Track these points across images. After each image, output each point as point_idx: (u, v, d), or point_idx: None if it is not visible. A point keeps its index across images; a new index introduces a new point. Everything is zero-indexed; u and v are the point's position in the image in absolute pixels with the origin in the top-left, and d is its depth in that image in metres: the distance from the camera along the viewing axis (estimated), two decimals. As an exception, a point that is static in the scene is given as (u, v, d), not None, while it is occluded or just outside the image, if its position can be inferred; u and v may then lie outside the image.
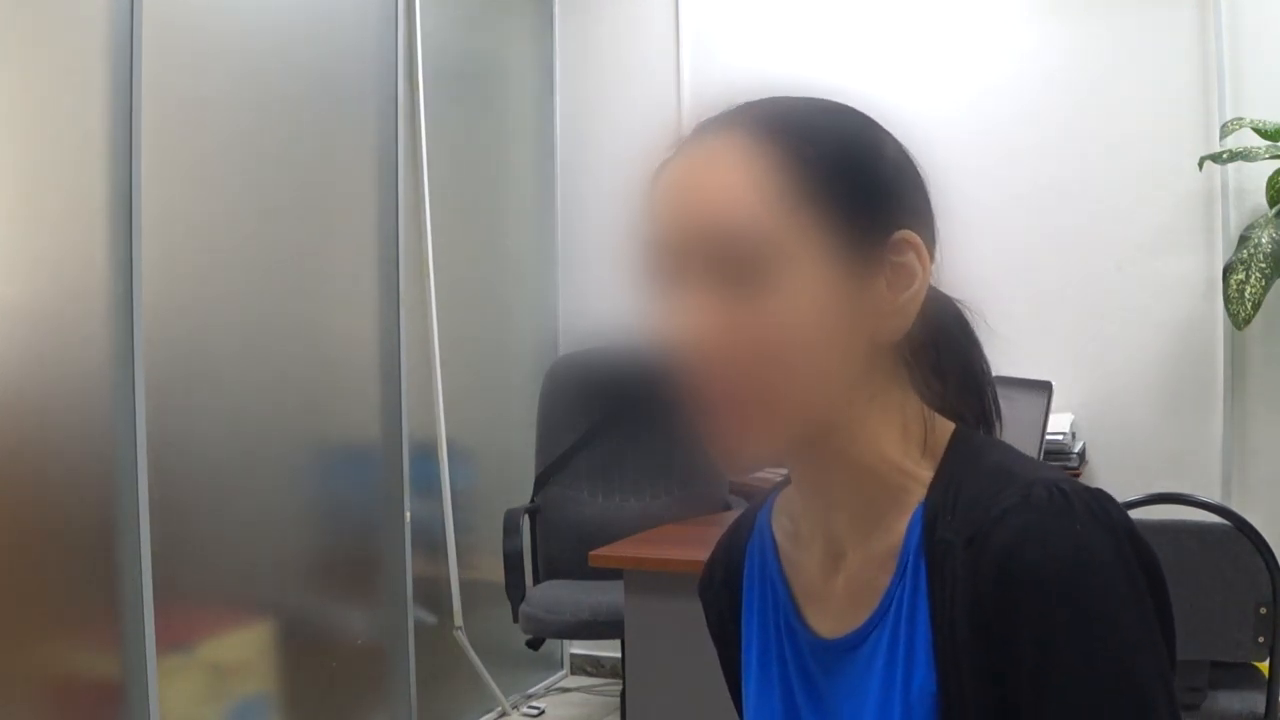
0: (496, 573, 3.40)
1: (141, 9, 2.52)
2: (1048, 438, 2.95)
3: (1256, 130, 3.21)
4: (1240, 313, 3.09)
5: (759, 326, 0.78)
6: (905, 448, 0.84)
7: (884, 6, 3.85)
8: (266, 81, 2.98)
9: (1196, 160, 3.29)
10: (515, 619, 3.25)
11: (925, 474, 0.84)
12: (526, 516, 3.53)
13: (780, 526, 0.95)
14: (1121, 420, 3.59)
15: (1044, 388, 2.80)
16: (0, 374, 2.28)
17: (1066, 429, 3.35)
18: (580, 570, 3.07)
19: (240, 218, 2.87)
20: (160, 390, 2.58)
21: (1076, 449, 3.39)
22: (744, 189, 0.79)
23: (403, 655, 3.43)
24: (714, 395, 0.79)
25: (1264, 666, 2.19)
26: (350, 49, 3.31)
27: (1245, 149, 3.19)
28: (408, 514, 3.44)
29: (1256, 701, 2.21)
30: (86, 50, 2.45)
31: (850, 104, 0.86)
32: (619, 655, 3.26)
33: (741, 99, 0.85)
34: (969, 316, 0.91)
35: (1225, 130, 3.34)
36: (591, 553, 2.56)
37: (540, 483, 3.58)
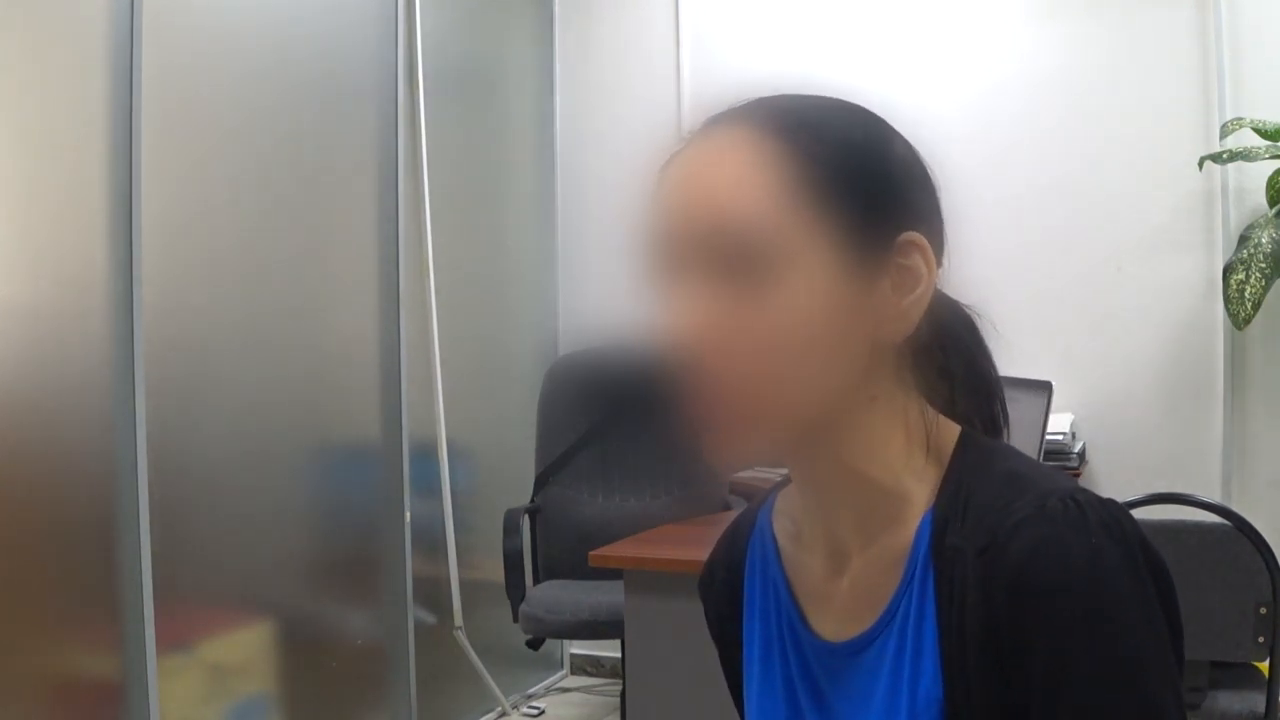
0: (496, 573, 3.40)
1: (141, 9, 2.52)
2: (1048, 438, 2.95)
3: (1256, 130, 3.21)
4: (1240, 313, 3.09)
5: (759, 324, 0.77)
6: (908, 451, 0.83)
7: (884, 7, 3.85)
8: (266, 81, 2.98)
9: (1196, 160, 3.29)
10: (515, 619, 3.25)
11: (931, 478, 0.83)
12: (526, 516, 3.53)
13: (781, 526, 0.95)
14: (1121, 420, 3.59)
15: (1044, 388, 2.80)
16: (0, 374, 2.28)
17: (1066, 429, 3.35)
18: (580, 570, 3.07)
19: (240, 218, 2.87)
20: (160, 390, 2.58)
21: (1076, 449, 3.39)
22: (751, 185, 0.78)
23: (403, 655, 3.43)
24: (708, 391, 0.78)
25: (1264, 666, 2.19)
26: (350, 49, 3.31)
27: (1245, 149, 3.19)
28: (408, 514, 3.44)
29: (1256, 701, 2.21)
30: (86, 50, 2.45)
31: (861, 103, 0.85)
32: (619, 655, 3.26)
33: (748, 96, 0.84)
34: (977, 320, 0.91)
35: (1225, 130, 3.34)
36: (591, 553, 2.56)
37: (540, 483, 3.58)
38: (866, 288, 0.79)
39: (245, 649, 2.90)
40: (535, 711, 3.87)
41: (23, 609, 2.31)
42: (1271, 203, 3.24)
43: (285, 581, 3.04)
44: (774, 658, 0.92)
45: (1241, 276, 3.10)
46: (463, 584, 3.66)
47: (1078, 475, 3.27)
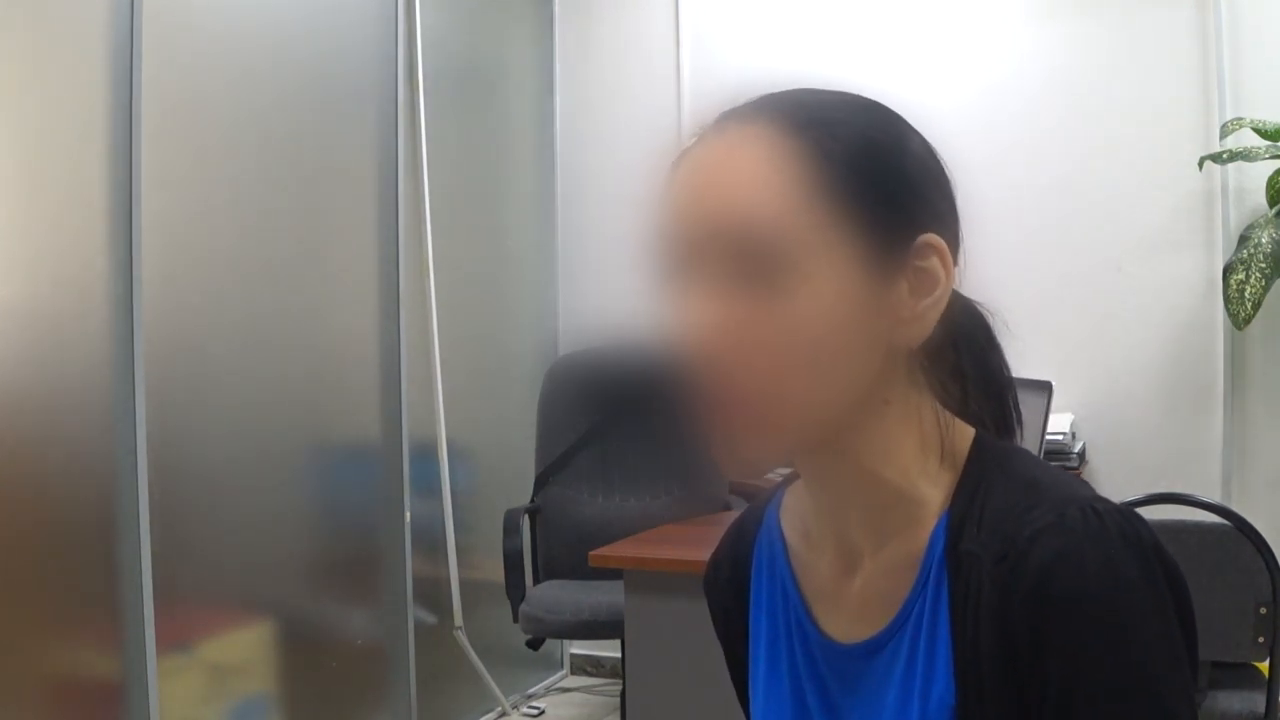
0: (496, 573, 3.40)
1: (141, 9, 2.52)
2: (1048, 438, 2.95)
3: (1256, 130, 3.21)
4: (1240, 313, 3.09)
5: (773, 328, 0.75)
6: (923, 454, 0.82)
7: (883, 7, 3.85)
8: (266, 81, 2.98)
9: (1196, 160, 3.29)
10: (515, 619, 3.25)
11: (945, 482, 0.82)
12: (526, 516, 3.53)
13: (790, 524, 0.94)
14: (1121, 420, 3.59)
15: (1044, 388, 2.80)
16: (0, 374, 2.28)
17: (1066, 429, 3.35)
18: (580, 570, 3.07)
19: (240, 217, 2.87)
20: (160, 390, 2.58)
21: (1076, 449, 3.39)
22: (768, 185, 0.76)
23: (403, 655, 3.43)
24: (721, 395, 0.77)
25: (1264, 666, 2.20)
26: (350, 49, 3.31)
27: (1245, 149, 3.19)
28: (408, 514, 3.44)
29: (1256, 701, 2.21)
30: (86, 50, 2.45)
31: (877, 99, 0.83)
32: (619, 655, 3.26)
33: (755, 92, 0.83)
34: (989, 319, 0.89)
35: (1225, 130, 3.34)
36: (591, 553, 2.56)
37: (540, 483, 3.58)
38: (883, 290, 0.78)
39: (245, 649, 2.90)
40: (535, 711, 3.87)
41: (23, 609, 2.31)
42: (1271, 203, 3.24)
43: (285, 581, 3.04)
44: (781, 657, 0.91)
45: (1241, 276, 3.10)
46: (463, 584, 3.66)
47: (1077, 475, 3.27)
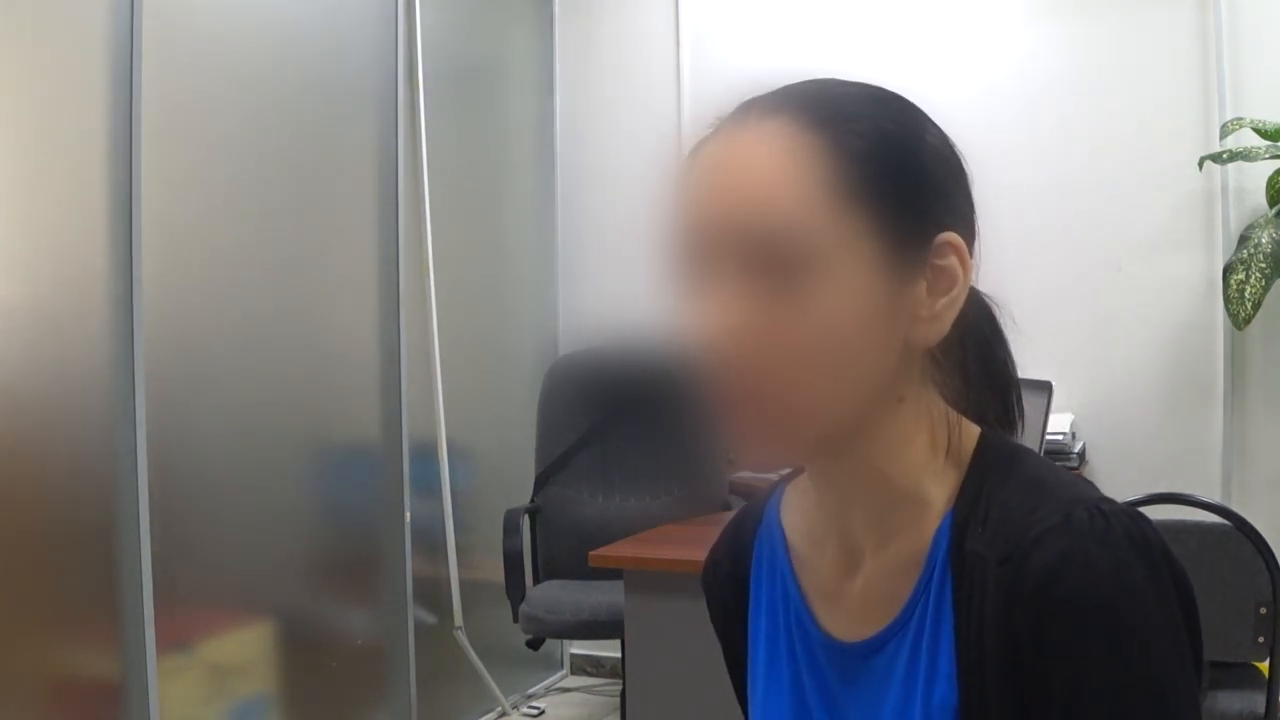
0: (496, 573, 3.40)
1: (141, 9, 2.52)
2: (1048, 438, 2.95)
3: (1256, 130, 3.21)
4: (1240, 313, 3.09)
5: (793, 328, 0.75)
6: (931, 453, 0.82)
7: (883, 7, 3.85)
8: (266, 81, 2.98)
9: (1196, 160, 3.29)
10: (515, 619, 3.25)
11: (950, 480, 0.82)
12: (526, 516, 3.53)
13: (791, 522, 0.93)
14: (1121, 420, 3.59)
15: (1044, 388, 2.80)
16: (0, 374, 2.28)
17: (1066, 429, 3.35)
18: (580, 570, 3.07)
19: (240, 218, 2.87)
20: (160, 390, 2.58)
21: (1076, 449, 3.39)
22: (788, 183, 0.75)
23: (403, 655, 3.43)
24: (739, 393, 0.76)
25: (1264, 666, 2.19)
26: (350, 49, 3.31)
27: (1245, 149, 3.19)
28: (408, 514, 3.44)
29: (1256, 701, 2.21)
30: (86, 50, 2.45)
31: (897, 91, 0.82)
32: (619, 655, 3.26)
33: (759, 89, 0.82)
34: (995, 310, 0.89)
35: (1225, 130, 3.34)
36: (591, 553, 2.56)
37: (540, 483, 3.58)
38: (902, 289, 0.78)
39: (245, 649, 2.90)
40: (535, 711, 3.87)
41: (23, 609, 2.31)
42: (1271, 203, 3.24)
43: (285, 581, 3.04)
44: (781, 655, 0.91)
45: (1241, 276, 3.10)
46: (463, 584, 3.66)
47: (1077, 475, 3.27)
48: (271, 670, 2.97)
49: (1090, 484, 0.81)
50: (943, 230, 0.79)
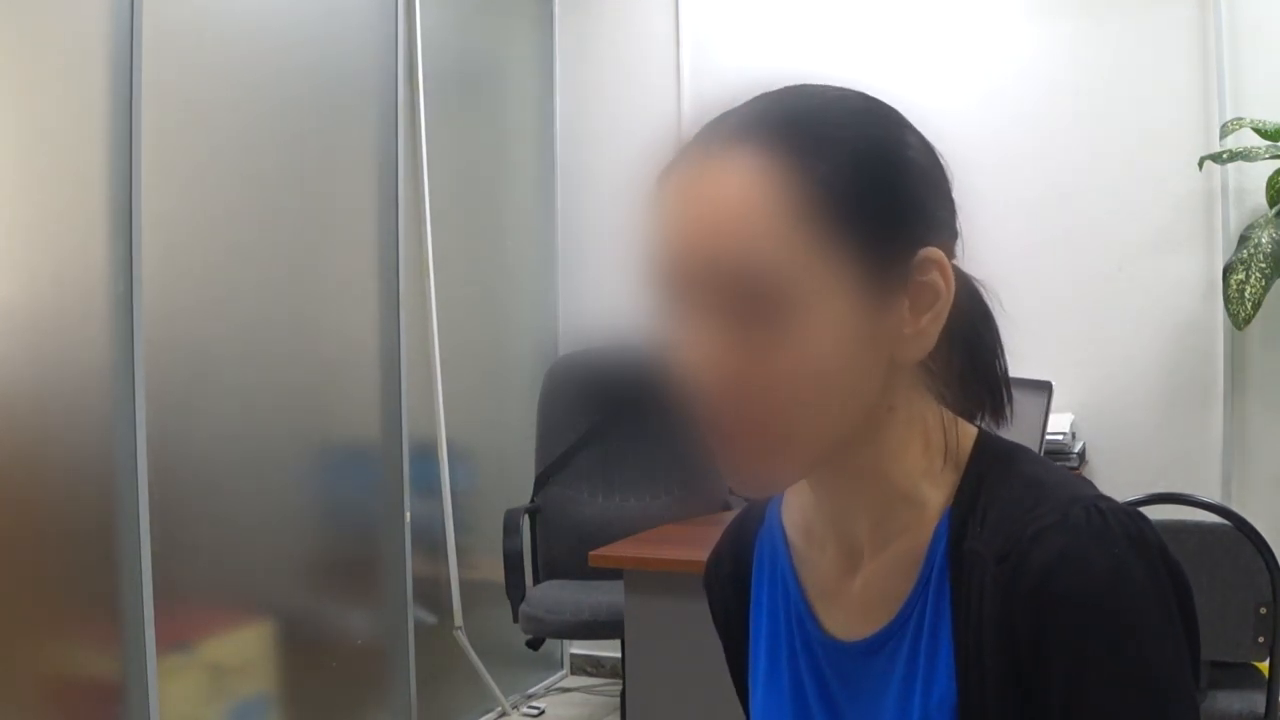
0: (496, 573, 3.40)
1: (141, 9, 2.52)
2: (1048, 438, 2.95)
3: (1256, 130, 3.21)
4: (1240, 313, 3.09)
5: (774, 361, 0.74)
6: (926, 455, 0.82)
7: (884, 8, 3.85)
8: (266, 81, 2.98)
9: (1196, 160, 3.29)
10: (515, 619, 3.25)
11: (947, 481, 0.82)
12: (526, 516, 3.53)
13: (791, 521, 0.94)
14: (1121, 420, 3.59)
15: (1044, 388, 2.80)
16: (0, 374, 2.28)
17: (1066, 429, 3.35)
18: (580, 570, 3.07)
19: (240, 218, 2.87)
20: (160, 390, 2.58)
21: (1076, 449, 3.39)
22: (759, 219, 0.73)
23: (403, 655, 3.43)
24: (727, 424, 0.76)
25: (1264, 666, 2.20)
26: (350, 50, 3.31)
27: (1245, 149, 3.19)
28: (408, 514, 3.44)
29: (1256, 701, 2.21)
30: (86, 51, 2.45)
31: (872, 95, 0.80)
32: (619, 655, 3.26)
33: (744, 94, 0.80)
34: (986, 295, 0.87)
35: (1225, 130, 3.34)
36: (591, 553, 2.56)
37: (540, 483, 3.58)
38: (884, 310, 0.77)
39: (245, 649, 2.90)
40: (535, 711, 3.87)
41: (23, 609, 2.31)
42: (1271, 203, 3.24)
43: (285, 581, 3.04)
44: (781, 654, 0.91)
45: (1241, 276, 3.10)
46: (463, 584, 3.66)
47: (1078, 474, 3.27)
48: (271, 670, 2.97)
49: (1088, 482, 0.81)
50: (923, 245, 0.77)
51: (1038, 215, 3.66)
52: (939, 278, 0.78)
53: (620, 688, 3.16)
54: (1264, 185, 3.26)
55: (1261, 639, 2.09)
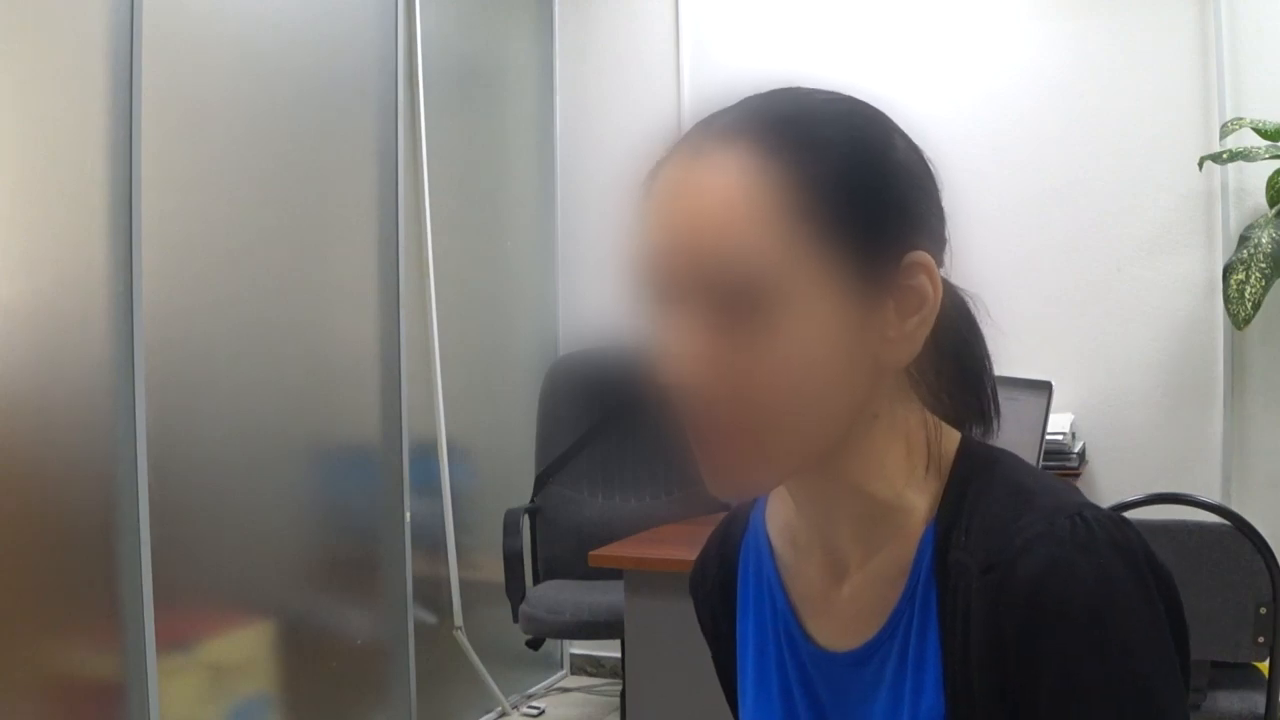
0: (496, 573, 3.40)
1: (141, 10, 2.52)
2: (1048, 438, 2.95)
3: (1256, 130, 3.21)
4: (1240, 313, 3.09)
5: (758, 362, 0.74)
6: (909, 463, 0.81)
7: (884, 9, 3.85)
8: (266, 82, 2.98)
9: (1196, 160, 3.29)
10: (515, 619, 3.25)
11: (932, 489, 0.81)
12: (526, 516, 3.53)
13: (776, 528, 0.93)
14: (1121, 420, 3.59)
15: (1044, 388, 2.80)
16: (0, 374, 2.28)
17: (1066, 429, 3.34)
18: (580, 570, 3.07)
19: (240, 218, 2.87)
20: (160, 390, 2.58)
21: (1076, 449, 3.39)
22: (748, 219, 0.73)
23: (403, 655, 3.43)
24: (709, 426, 0.76)
25: (1264, 666, 2.20)
26: (350, 50, 3.31)
27: (1245, 149, 3.19)
28: (408, 514, 3.44)
29: (1256, 701, 2.21)
30: (86, 52, 2.45)
31: (861, 99, 0.80)
32: (619, 655, 3.26)
33: (741, 94, 0.80)
34: (973, 306, 0.87)
35: (1225, 130, 3.34)
36: (591, 553, 2.56)
37: (540, 483, 3.58)
38: (870, 314, 0.76)
39: (245, 649, 2.90)
40: (535, 711, 3.87)
41: (23, 609, 2.31)
42: (1271, 203, 3.24)
43: (285, 581, 3.04)
44: (769, 662, 0.90)
45: (1241, 276, 3.10)
46: (463, 584, 3.66)
47: (1077, 476, 3.28)
48: (271, 670, 2.97)
49: (1073, 488, 0.80)
50: (911, 249, 0.77)
51: (1038, 215, 3.66)
52: (926, 282, 0.78)
53: (620, 688, 3.16)
54: (1264, 185, 3.26)
55: (1261, 639, 2.09)
